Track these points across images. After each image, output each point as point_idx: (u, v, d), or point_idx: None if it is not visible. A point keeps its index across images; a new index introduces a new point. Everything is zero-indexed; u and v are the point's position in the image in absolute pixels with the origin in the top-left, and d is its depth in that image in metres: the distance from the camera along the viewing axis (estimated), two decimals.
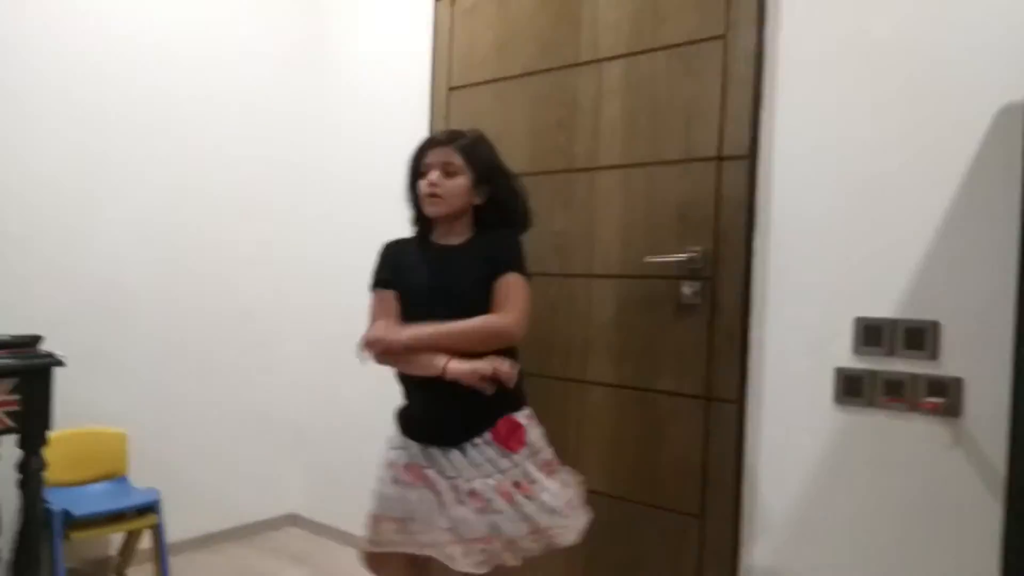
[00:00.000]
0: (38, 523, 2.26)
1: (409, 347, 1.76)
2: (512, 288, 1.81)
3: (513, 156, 2.71)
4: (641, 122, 2.41)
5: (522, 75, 2.71)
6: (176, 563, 2.85)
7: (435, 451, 1.82)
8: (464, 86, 2.89)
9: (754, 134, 2.18)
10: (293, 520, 3.47)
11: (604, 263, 2.48)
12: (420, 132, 2.96)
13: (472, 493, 1.78)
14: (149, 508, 2.62)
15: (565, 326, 2.57)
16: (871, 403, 1.98)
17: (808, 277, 2.09)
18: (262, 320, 3.24)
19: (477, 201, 1.87)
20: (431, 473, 1.82)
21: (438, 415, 1.83)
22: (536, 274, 2.62)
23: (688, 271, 2.27)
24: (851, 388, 2.01)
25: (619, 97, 2.46)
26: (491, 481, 1.79)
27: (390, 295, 1.89)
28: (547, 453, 1.90)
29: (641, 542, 2.37)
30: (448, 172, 1.83)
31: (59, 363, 2.27)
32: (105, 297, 2.82)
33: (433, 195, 1.83)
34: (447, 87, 2.94)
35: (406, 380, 1.89)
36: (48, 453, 2.26)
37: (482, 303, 1.80)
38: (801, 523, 2.10)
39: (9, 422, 2.16)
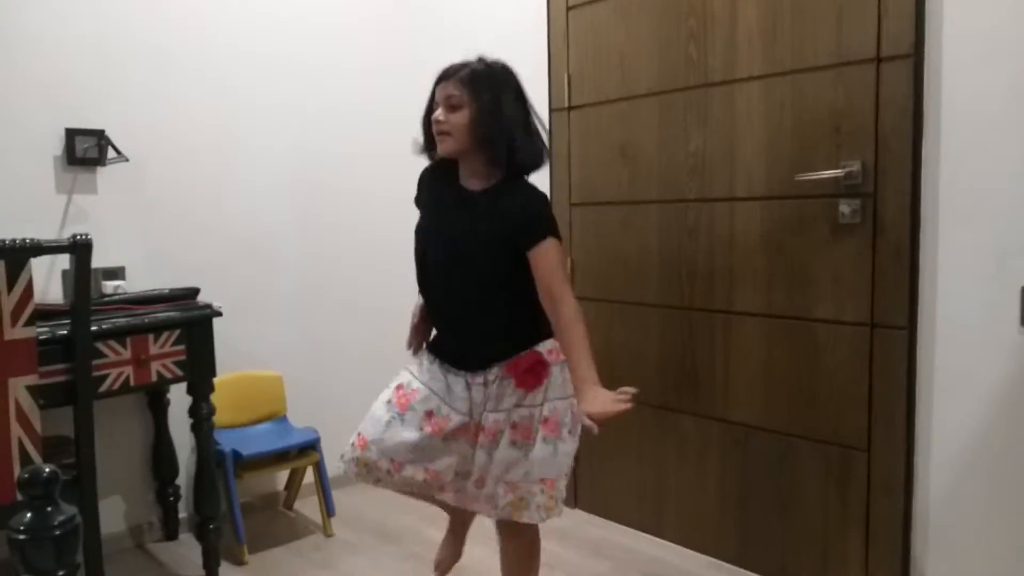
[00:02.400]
0: (212, 463, 2.43)
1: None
2: (553, 256, 1.69)
3: (640, 75, 2.58)
4: (784, 25, 2.19)
5: None
6: (339, 496, 3.00)
7: (457, 379, 1.80)
8: (584, 3, 2.74)
9: (919, 29, 1.93)
10: None
11: (748, 184, 2.32)
12: (540, 58, 2.86)
13: (481, 428, 1.77)
14: (310, 446, 2.76)
15: (706, 254, 2.44)
16: None
17: (987, 189, 1.86)
18: (398, 261, 3.28)
19: (481, 134, 1.71)
20: (450, 418, 1.79)
21: (468, 339, 1.81)
22: (671, 200, 2.52)
23: (845, 188, 2.08)
24: None
25: (756, 1, 2.25)
26: (498, 416, 1.76)
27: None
28: (560, 406, 1.77)
29: (803, 477, 2.26)
30: (451, 106, 1.71)
31: (217, 313, 2.38)
32: (251, 248, 2.93)
33: (440, 132, 1.73)
34: (566, 6, 2.80)
35: (435, 316, 1.89)
36: (213, 398, 2.41)
37: (491, 262, 1.73)
38: (980, 458, 1.92)
39: (177, 371, 2.31)
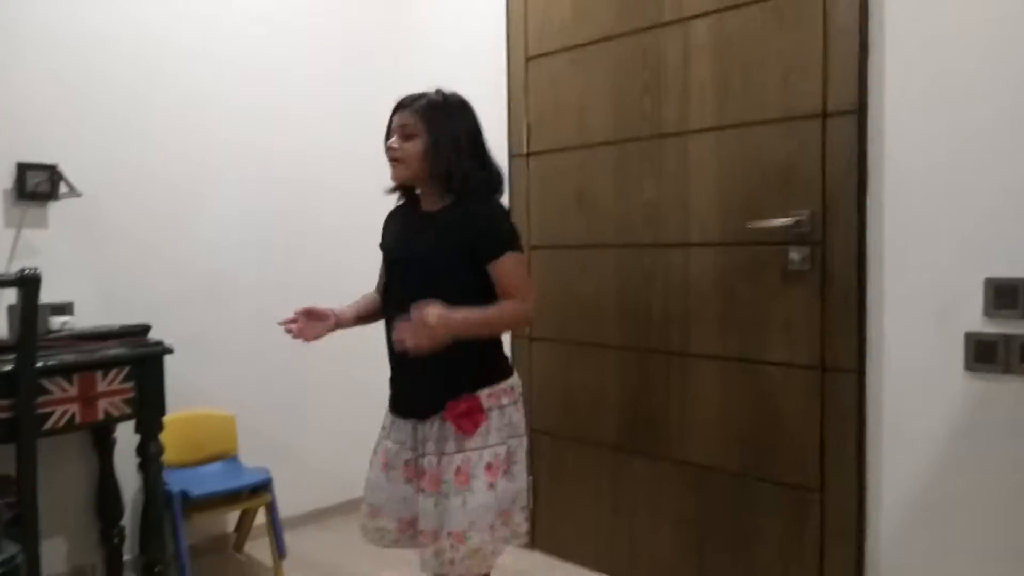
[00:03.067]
0: (159, 503, 2.37)
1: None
2: (516, 270, 1.73)
3: (597, 124, 2.64)
4: (735, 80, 2.28)
5: (603, 39, 2.60)
6: (291, 537, 2.93)
7: (413, 426, 1.80)
8: (542, 55, 2.81)
9: (861, 86, 2.03)
10: None
11: (701, 231, 2.38)
12: (499, 105, 2.92)
13: (421, 471, 1.76)
14: (262, 487, 2.70)
15: (662, 297, 2.48)
16: (1007, 369, 1.83)
17: (930, 237, 1.94)
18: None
19: (435, 170, 1.74)
20: (417, 462, 1.79)
21: (411, 389, 1.82)
22: (628, 245, 2.57)
23: (795, 236, 2.15)
24: (984, 354, 1.86)
25: (708, 56, 2.33)
26: (435, 460, 1.73)
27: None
28: (499, 450, 1.75)
29: (758, 518, 2.28)
30: (405, 135, 1.74)
31: (168, 350, 2.35)
32: (207, 284, 2.90)
33: (392, 159, 1.77)
34: (525, 56, 2.87)
35: (390, 352, 1.86)
36: (162, 436, 2.36)
37: (452, 275, 1.72)
38: (930, 498, 1.97)
39: (126, 409, 2.26)
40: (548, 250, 2.82)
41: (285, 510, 2.85)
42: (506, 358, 1.86)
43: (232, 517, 2.96)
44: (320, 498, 3.27)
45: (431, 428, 1.75)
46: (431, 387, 1.75)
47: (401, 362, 1.79)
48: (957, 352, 1.91)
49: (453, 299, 1.68)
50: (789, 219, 2.14)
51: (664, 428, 2.50)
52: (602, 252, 2.65)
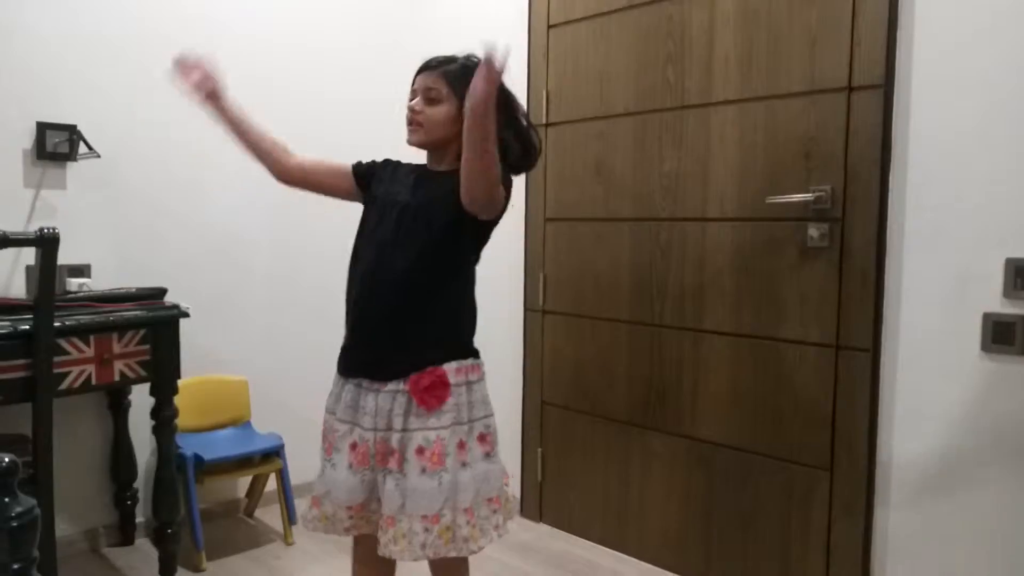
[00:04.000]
0: (172, 467, 2.39)
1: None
2: None
3: (618, 94, 2.61)
4: (760, 52, 2.24)
5: (626, 7, 2.56)
6: (301, 504, 2.94)
7: (363, 393, 1.67)
8: (564, 23, 2.77)
9: (889, 60, 1.99)
10: None
11: (720, 205, 2.35)
12: (520, 74, 2.88)
13: (378, 449, 1.63)
14: (273, 453, 2.72)
15: (677, 271, 2.47)
16: None
17: (952, 216, 1.91)
18: None
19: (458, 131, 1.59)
20: (362, 437, 1.66)
21: (371, 343, 1.69)
22: (644, 219, 2.55)
23: (814, 212, 2.12)
24: (1002, 335, 1.83)
25: (734, 27, 2.29)
26: (397, 437, 1.61)
27: (343, 165, 1.85)
28: (475, 427, 1.65)
29: (767, 495, 2.28)
30: (429, 99, 1.65)
31: (184, 314, 2.35)
32: (222, 247, 2.90)
33: (412, 121, 1.67)
34: (546, 25, 2.83)
35: (349, 307, 1.78)
36: (177, 400, 2.37)
37: (434, 231, 1.61)
38: (942, 480, 1.96)
39: (141, 371, 2.27)
40: (563, 222, 2.81)
41: (296, 477, 2.87)
42: (472, 339, 1.74)
43: (244, 482, 2.99)
44: None
45: (392, 401, 1.62)
46: (393, 348, 1.64)
47: (362, 317, 1.71)
48: (974, 333, 1.89)
49: (429, 268, 1.62)
50: (809, 195, 2.12)
51: (675, 403, 2.50)
52: (618, 225, 2.63)
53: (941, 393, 1.95)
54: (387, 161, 1.86)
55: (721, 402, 2.38)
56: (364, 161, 1.86)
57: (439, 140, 1.68)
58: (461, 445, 1.62)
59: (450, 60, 1.68)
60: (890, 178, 2.00)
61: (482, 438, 1.67)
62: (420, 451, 1.59)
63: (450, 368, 1.63)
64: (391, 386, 1.63)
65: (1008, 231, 1.83)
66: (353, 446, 1.67)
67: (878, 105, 2.00)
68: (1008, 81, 1.81)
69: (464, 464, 1.62)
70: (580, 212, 2.75)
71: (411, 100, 1.69)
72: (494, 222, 1.66)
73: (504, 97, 1.63)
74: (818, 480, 2.17)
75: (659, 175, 2.51)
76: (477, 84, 1.40)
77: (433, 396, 1.60)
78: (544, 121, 2.83)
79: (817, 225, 2.11)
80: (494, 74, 1.38)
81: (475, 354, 1.71)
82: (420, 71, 1.71)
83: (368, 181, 1.82)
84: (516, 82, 2.84)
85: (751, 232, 2.28)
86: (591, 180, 2.70)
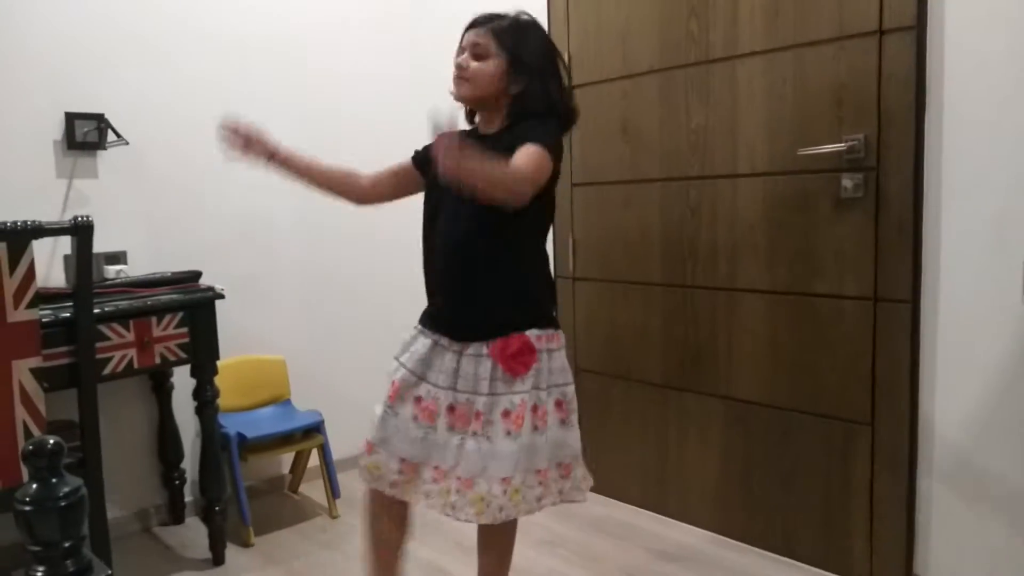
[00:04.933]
0: (217, 446, 2.44)
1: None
2: (528, 155, 1.54)
3: (642, 52, 2.56)
4: (785, 0, 2.17)
5: None
6: (344, 479, 3.01)
7: (440, 351, 1.69)
8: None
9: (921, 0, 1.91)
10: None
11: (750, 160, 2.30)
12: None
13: (456, 410, 1.65)
14: (314, 429, 2.77)
15: (709, 231, 2.43)
16: None
17: (991, 162, 1.85)
18: (402, 243, 3.27)
19: (513, 90, 1.66)
20: (438, 398, 1.68)
21: (459, 299, 1.69)
22: (673, 178, 2.51)
23: (848, 162, 2.07)
24: None
25: None
26: (480, 400, 1.62)
27: (404, 163, 1.88)
28: (542, 396, 1.65)
29: (806, 452, 2.26)
30: (476, 54, 1.66)
31: (220, 295, 2.39)
32: (253, 231, 2.93)
33: (459, 76, 1.68)
34: None
35: (429, 278, 1.79)
36: (217, 381, 2.41)
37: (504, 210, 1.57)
38: (984, 431, 1.92)
39: (181, 353, 2.31)
40: (591, 187, 2.78)
41: (338, 452, 2.91)
42: (553, 309, 1.76)
43: (287, 459, 3.05)
44: None
45: (477, 366, 1.64)
46: (473, 312, 1.67)
47: (441, 285, 1.72)
48: (1016, 281, 1.83)
49: (498, 244, 1.65)
50: (842, 144, 2.06)
51: (711, 364, 2.47)
52: (647, 187, 2.59)
53: (983, 344, 1.90)
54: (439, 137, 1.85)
55: (757, 361, 2.35)
56: (419, 148, 1.88)
57: (486, 95, 1.69)
58: (535, 409, 1.64)
59: (498, 16, 1.70)
60: (925, 124, 1.94)
61: (559, 404, 1.70)
62: (506, 414, 1.62)
63: (532, 334, 1.65)
64: (472, 349, 1.65)
65: None
66: (418, 400, 1.70)
67: (910, 48, 1.93)
68: None
69: (537, 428, 1.64)
70: (608, 175, 2.71)
71: (458, 56, 1.70)
72: (548, 188, 1.66)
73: (551, 58, 1.70)
74: (859, 435, 2.14)
75: (687, 132, 2.46)
76: (437, 161, 1.35)
77: (520, 363, 1.63)
78: (568, 84, 2.79)
79: (851, 175, 2.06)
80: (448, 163, 1.34)
81: (555, 324, 1.74)
82: (468, 28, 1.72)
83: (428, 168, 1.82)
84: None
85: (783, 186, 2.23)
86: (617, 142, 2.66)
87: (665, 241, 2.56)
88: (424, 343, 1.73)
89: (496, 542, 1.85)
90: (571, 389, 1.73)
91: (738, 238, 2.36)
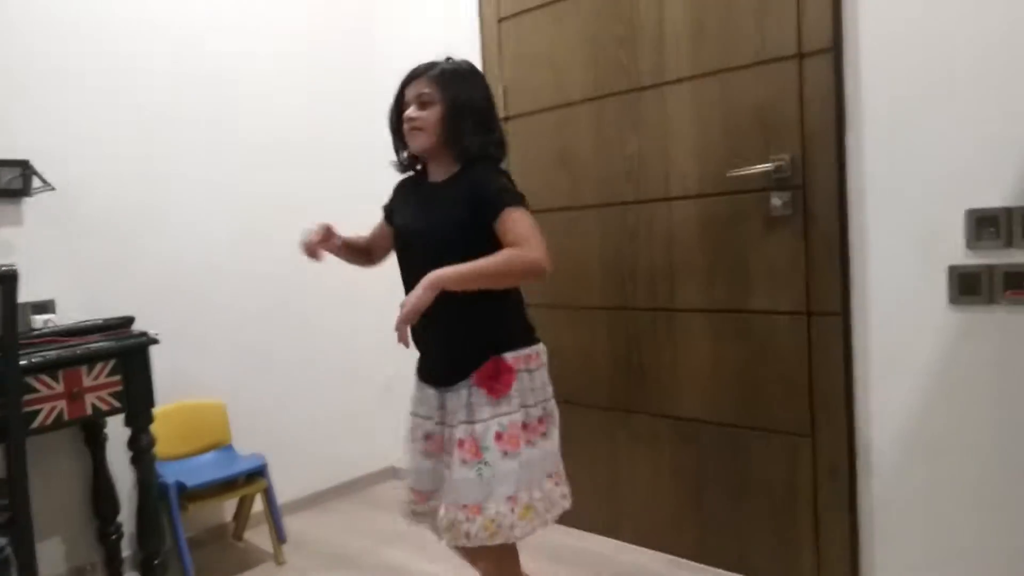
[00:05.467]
0: (154, 496, 2.35)
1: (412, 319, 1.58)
2: (519, 224, 1.65)
3: (574, 82, 2.62)
4: (709, 26, 2.26)
5: None
6: (289, 521, 2.93)
7: (436, 394, 1.79)
8: (514, 15, 2.77)
9: (836, 24, 2.01)
10: (393, 473, 3.53)
11: (682, 183, 2.36)
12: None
13: (459, 442, 1.70)
14: (257, 473, 2.69)
15: (647, 254, 2.48)
16: (991, 300, 1.84)
17: (910, 173, 1.94)
18: (342, 281, 3.25)
19: (461, 136, 1.73)
20: (435, 430, 1.79)
21: (435, 354, 1.80)
22: (610, 204, 2.55)
23: (775, 181, 2.14)
24: (968, 286, 1.87)
25: (681, 3, 2.31)
26: (463, 430, 1.68)
27: (380, 224, 1.98)
28: (534, 412, 1.73)
29: (753, 467, 2.30)
30: (422, 103, 1.73)
31: (154, 341, 2.31)
32: (188, 273, 2.86)
33: (412, 128, 1.74)
34: (497, 17, 2.83)
35: (413, 329, 1.81)
36: (154, 429, 2.33)
37: (457, 245, 1.66)
38: (920, 435, 1.99)
39: (114, 402, 2.23)
40: (533, 215, 2.79)
41: (283, 496, 2.84)
42: (531, 326, 1.82)
43: (230, 506, 2.95)
44: (317, 481, 3.27)
45: (461, 397, 1.71)
46: (453, 353, 1.74)
47: (424, 329, 1.76)
48: (941, 286, 1.92)
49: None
50: (770, 164, 2.13)
51: (656, 384, 2.50)
52: (586, 213, 2.63)
53: (913, 349, 1.97)
54: (398, 187, 1.95)
55: (701, 379, 2.39)
56: (385, 204, 1.97)
57: (439, 140, 1.75)
58: (525, 427, 1.70)
59: (433, 65, 1.77)
60: (847, 140, 2.03)
61: (541, 420, 1.76)
62: (499, 437, 1.67)
63: (508, 357, 1.71)
64: (459, 385, 1.72)
65: (965, 182, 1.86)
66: (427, 436, 1.80)
67: (829, 69, 2.02)
68: (954, 33, 1.84)
69: (530, 443, 1.71)
70: (547, 203, 2.75)
71: (405, 111, 1.76)
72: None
73: (490, 101, 1.80)
74: (801, 447, 2.18)
75: (621, 159, 2.51)
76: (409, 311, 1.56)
77: (499, 382, 1.68)
78: (504, 115, 2.83)
79: (779, 194, 2.13)
80: (424, 299, 1.56)
81: (532, 342, 1.79)
82: (408, 81, 1.79)
83: (393, 216, 1.94)
84: None
85: (715, 207, 2.29)
86: (555, 169, 2.71)
87: (605, 265, 2.59)
88: (423, 389, 1.83)
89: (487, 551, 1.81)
90: (552, 403, 1.81)
91: (675, 259, 2.41)
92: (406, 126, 1.76)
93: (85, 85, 2.59)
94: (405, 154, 1.85)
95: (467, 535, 1.65)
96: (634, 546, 2.61)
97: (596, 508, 2.72)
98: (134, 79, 2.71)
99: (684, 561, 2.48)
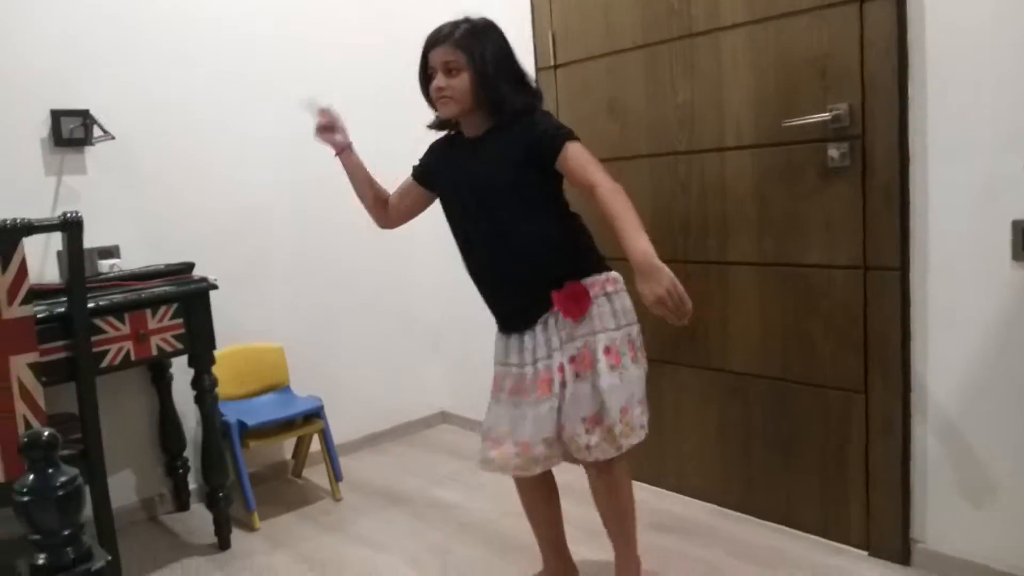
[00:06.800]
0: (218, 434, 2.46)
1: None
2: (583, 155, 1.73)
3: (625, 28, 2.55)
4: None
5: None
6: (346, 462, 3.05)
7: (518, 337, 1.82)
8: None
9: None
10: (443, 417, 3.61)
11: (736, 133, 2.31)
12: (524, 17, 2.84)
13: (543, 377, 1.77)
14: (314, 414, 2.79)
15: (699, 206, 2.44)
16: None
17: (976, 123, 1.85)
18: (394, 232, 3.28)
19: (492, 94, 1.75)
20: (524, 374, 1.81)
21: (512, 301, 1.84)
22: (662, 154, 2.51)
23: (833, 131, 2.07)
24: None
25: None
26: (553, 360, 1.76)
27: (408, 181, 2.02)
28: (619, 334, 1.78)
29: (802, 422, 2.28)
30: (449, 70, 1.74)
31: (214, 286, 2.40)
32: (245, 220, 2.94)
33: (442, 97, 1.76)
34: None
35: (478, 282, 1.91)
36: (216, 370, 2.43)
37: (520, 192, 1.75)
38: (977, 394, 1.94)
39: (177, 344, 2.33)
40: None
41: (339, 436, 2.94)
42: (600, 255, 1.87)
43: (289, 445, 3.08)
44: (372, 424, 3.37)
45: (545, 329, 1.77)
46: (528, 297, 1.78)
47: (491, 286, 1.85)
48: (1004, 241, 1.84)
49: (526, 216, 1.75)
50: (827, 114, 2.06)
51: (705, 338, 2.49)
52: (636, 163, 2.59)
53: (973, 307, 1.92)
54: (430, 150, 1.99)
55: (751, 333, 2.37)
56: (415, 164, 2.01)
57: (470, 106, 1.77)
58: (608, 351, 1.75)
59: (452, 29, 1.75)
60: (909, 88, 1.95)
61: (630, 344, 1.80)
62: (572, 360, 1.75)
63: (586, 282, 1.77)
64: (545, 317, 1.78)
65: None
66: (512, 382, 1.83)
67: (891, 13, 1.93)
68: None
69: (613, 368, 1.75)
70: (596, 153, 2.65)
71: (432, 79, 1.77)
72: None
73: (510, 52, 1.79)
74: (853, 403, 2.16)
75: (673, 107, 2.46)
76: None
77: (575, 305, 1.74)
78: (552, 63, 2.79)
79: (837, 145, 2.07)
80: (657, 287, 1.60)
81: (606, 268, 1.84)
82: (430, 47, 1.78)
83: (430, 180, 1.98)
84: (521, 25, 2.82)
85: (770, 158, 2.24)
86: (605, 119, 2.66)
87: (655, 217, 2.56)
88: (504, 338, 1.87)
89: (610, 488, 1.92)
90: (636, 328, 1.85)
91: (728, 211, 2.36)
92: (434, 95, 1.77)
93: (141, 37, 2.65)
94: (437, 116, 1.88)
95: (587, 448, 1.75)
96: (678, 495, 2.64)
97: (640, 457, 2.74)
98: (188, 29, 2.76)
99: (729, 512, 2.50)
